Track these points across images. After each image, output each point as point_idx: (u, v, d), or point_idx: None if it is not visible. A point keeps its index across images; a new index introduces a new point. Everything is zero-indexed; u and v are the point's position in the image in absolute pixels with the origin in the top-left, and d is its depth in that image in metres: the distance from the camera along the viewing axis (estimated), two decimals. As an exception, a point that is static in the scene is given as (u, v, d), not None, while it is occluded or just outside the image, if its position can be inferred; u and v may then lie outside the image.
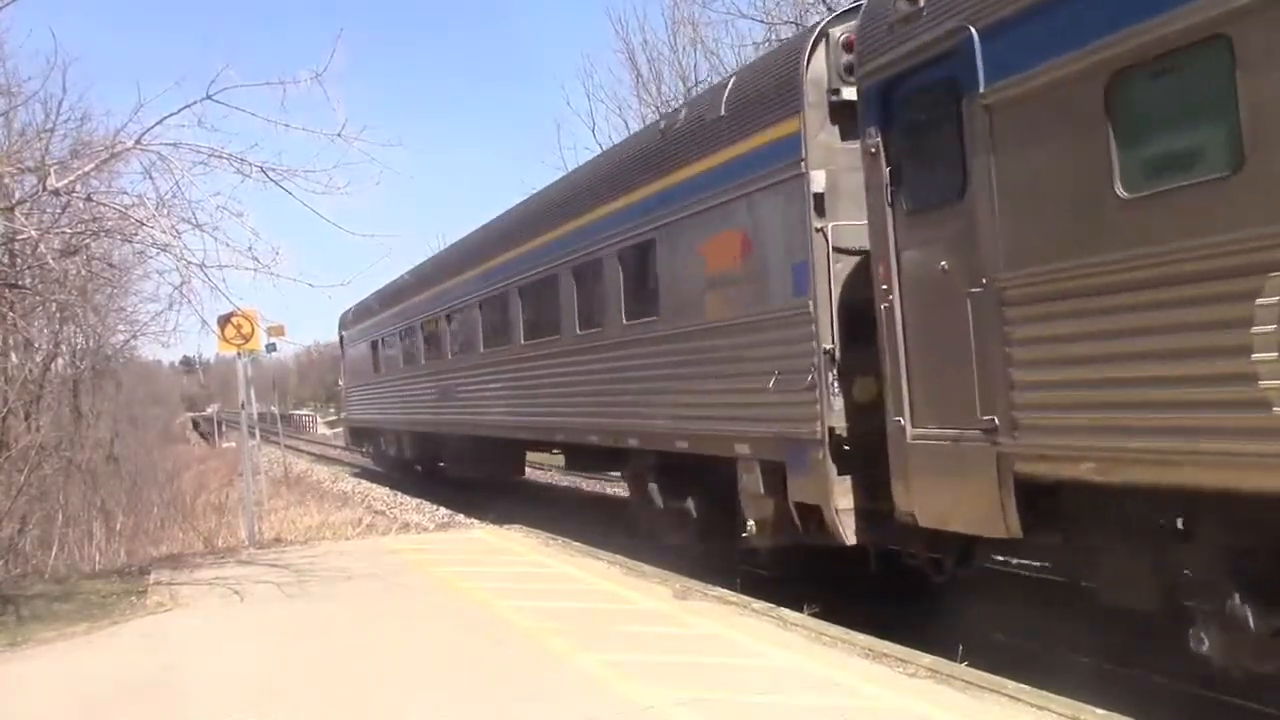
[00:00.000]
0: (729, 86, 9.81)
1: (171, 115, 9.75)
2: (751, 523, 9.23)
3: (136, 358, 31.67)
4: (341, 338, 33.03)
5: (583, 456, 15.47)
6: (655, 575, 10.36)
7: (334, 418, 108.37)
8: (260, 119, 9.79)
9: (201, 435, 71.42)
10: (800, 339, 8.33)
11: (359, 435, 32.57)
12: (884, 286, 7.35)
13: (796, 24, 22.64)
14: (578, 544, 12.92)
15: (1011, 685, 6.10)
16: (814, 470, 8.19)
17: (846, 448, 8.00)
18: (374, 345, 27.76)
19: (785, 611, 8.41)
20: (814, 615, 8.23)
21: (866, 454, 7.80)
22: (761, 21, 25.46)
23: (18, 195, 10.97)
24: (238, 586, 11.14)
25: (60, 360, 20.77)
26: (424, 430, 22.80)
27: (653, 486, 11.51)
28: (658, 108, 29.02)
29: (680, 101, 25.35)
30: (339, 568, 12.03)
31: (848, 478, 8.02)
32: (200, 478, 34.30)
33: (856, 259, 8.09)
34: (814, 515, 8.34)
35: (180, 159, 9.89)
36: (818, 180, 8.16)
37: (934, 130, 6.90)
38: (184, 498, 25.92)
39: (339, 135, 9.85)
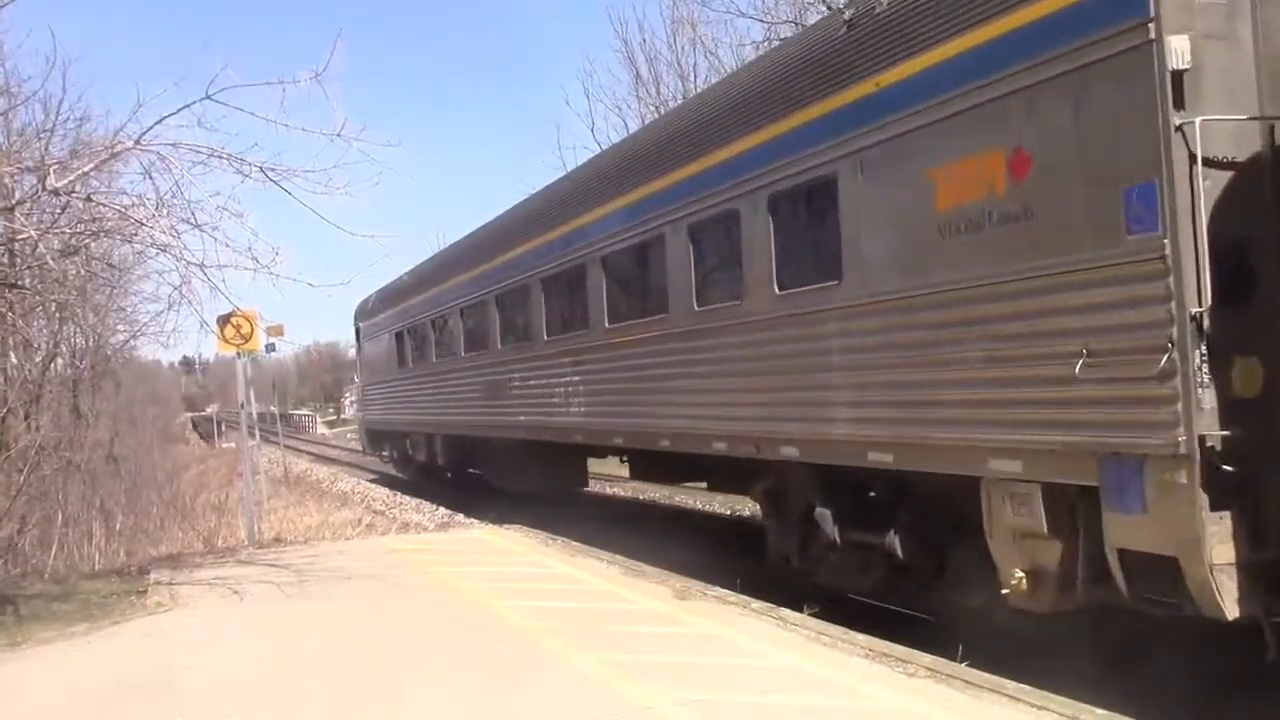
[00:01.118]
0: None
1: (171, 115, 9.76)
2: (1019, 574, 6.62)
3: (136, 358, 31.68)
4: (358, 330, 29.76)
5: (661, 465, 13.24)
6: (655, 575, 10.36)
7: (333, 418, 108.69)
8: (260, 119, 9.79)
9: (201, 435, 71.43)
10: (1143, 300, 5.58)
11: (379, 438, 29.00)
12: None
13: (796, 24, 22.65)
14: (578, 544, 12.92)
15: (1011, 685, 6.10)
16: (1165, 501, 5.51)
17: (1225, 467, 5.35)
18: (399, 337, 24.40)
19: (785, 611, 8.41)
20: (814, 615, 8.22)
21: (1249, 476, 5.44)
22: (761, 21, 25.52)
23: (17, 195, 10.97)
24: (237, 586, 11.13)
25: (60, 360, 20.77)
26: (462, 433, 19.87)
27: (823, 513, 8.84)
28: (657, 107, 29.06)
29: (679, 102, 25.37)
30: (338, 568, 12.03)
31: (1227, 514, 5.41)
32: (200, 478, 34.35)
33: (1232, 175, 5.53)
34: (1158, 570, 5.66)
35: (180, 159, 9.90)
36: (1178, 51, 5.40)
37: None
38: (184, 498, 25.96)
39: (339, 135, 9.85)
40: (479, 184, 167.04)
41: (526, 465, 17.01)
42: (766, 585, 9.71)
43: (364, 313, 28.28)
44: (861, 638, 7.44)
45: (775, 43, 21.37)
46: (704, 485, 14.36)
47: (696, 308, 10.39)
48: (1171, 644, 7.22)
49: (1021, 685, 6.09)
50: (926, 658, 6.79)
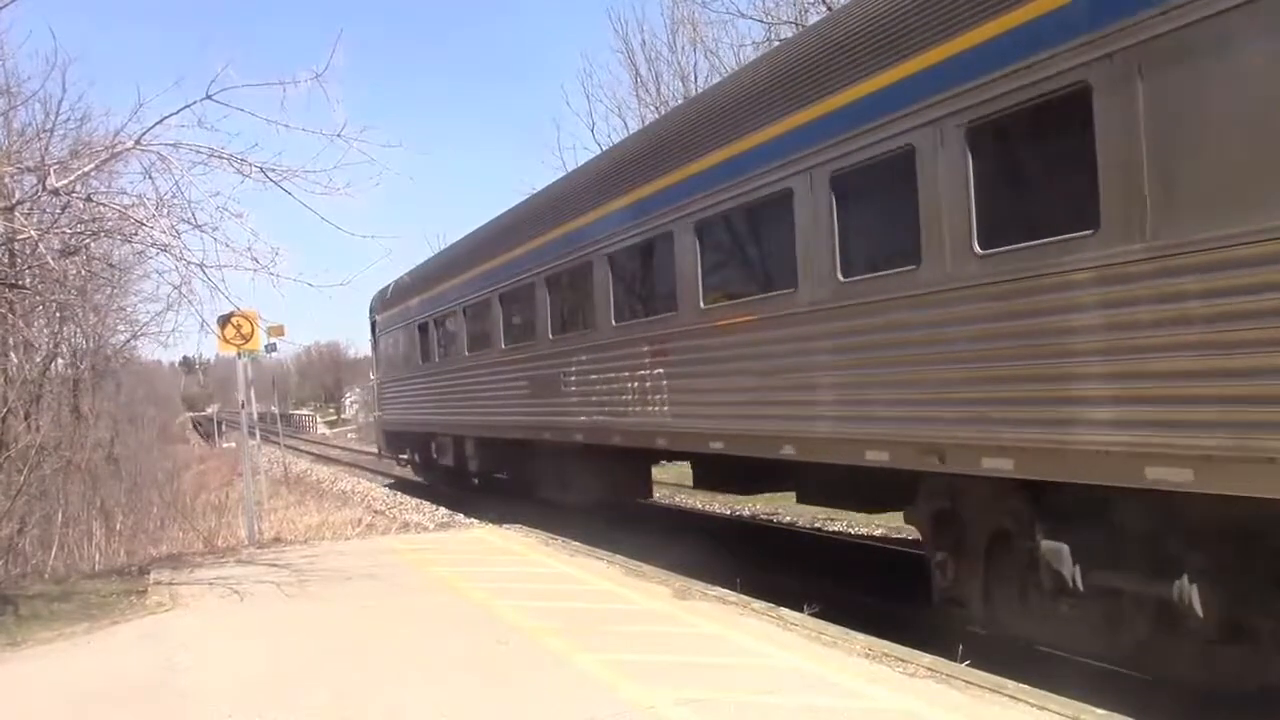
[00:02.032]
0: None
1: (171, 115, 9.76)
2: None
3: (136, 358, 31.64)
4: (374, 323, 27.09)
5: (734, 473, 11.17)
6: (655, 575, 10.36)
7: (334, 418, 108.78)
8: (260, 119, 9.81)
9: (202, 435, 71.49)
10: None
11: (398, 440, 26.38)
12: None
13: (796, 24, 22.65)
14: (578, 543, 12.93)
15: (1011, 685, 6.10)
16: None
17: None
18: (423, 329, 21.85)
19: (785, 611, 8.41)
20: (814, 615, 8.23)
21: None
22: (761, 21, 25.52)
23: (17, 195, 10.96)
24: (237, 586, 11.13)
25: (60, 360, 20.79)
26: (500, 435, 17.39)
27: (1055, 548, 6.56)
28: (656, 108, 29.08)
29: (678, 102, 25.36)
30: (339, 567, 12.03)
31: None
32: (200, 478, 34.36)
33: None
34: None
35: (180, 159, 9.91)
36: None
37: None
38: (184, 498, 25.94)
39: (339, 136, 9.86)
40: (479, 184, 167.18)
41: (581, 472, 14.74)
42: (767, 585, 9.72)
43: (381, 304, 25.84)
44: (861, 638, 7.44)
45: (775, 42, 21.34)
46: (770, 498, 12.63)
47: (841, 278, 8.02)
48: (1171, 644, 7.22)
49: (1021, 685, 6.09)
50: (926, 658, 6.79)
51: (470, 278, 18.36)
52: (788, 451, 8.93)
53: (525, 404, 15.47)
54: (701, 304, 10.29)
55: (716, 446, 10.22)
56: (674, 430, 10.97)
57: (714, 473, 11.92)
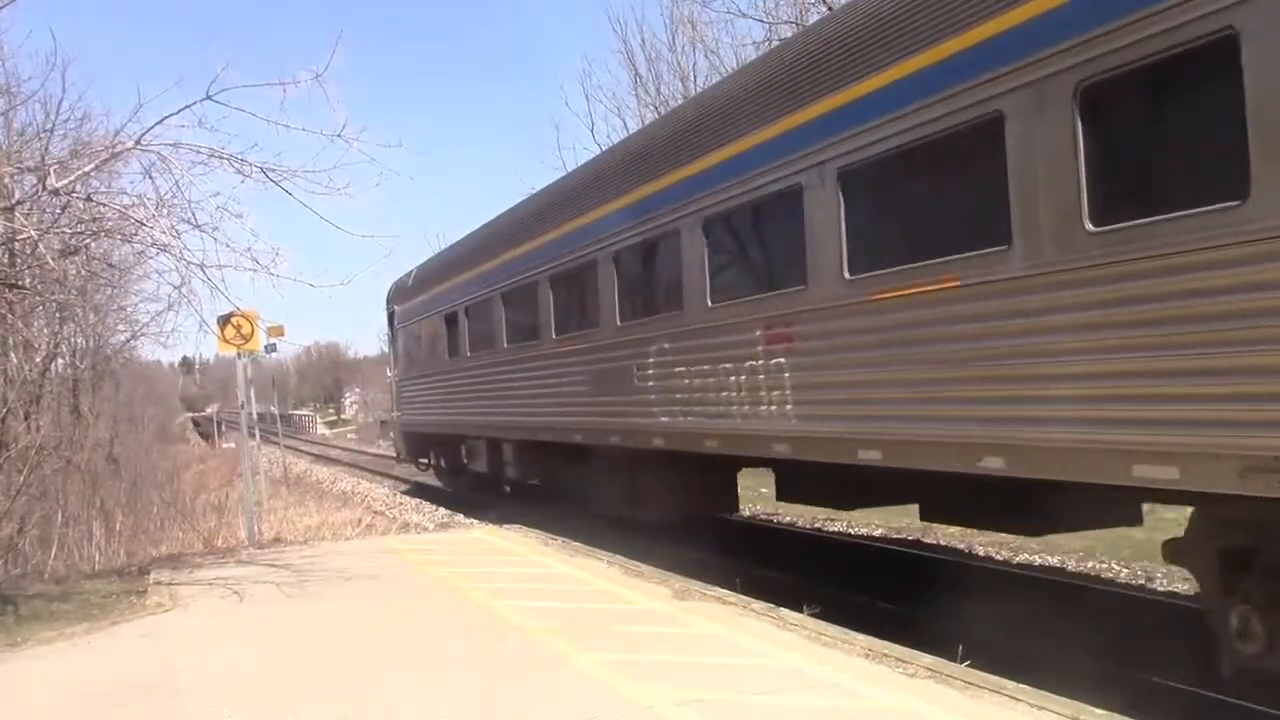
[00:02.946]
0: None
1: (171, 115, 9.76)
2: None
3: (136, 358, 31.68)
4: (391, 315, 24.57)
5: (847, 487, 9.46)
6: (655, 575, 10.36)
7: (334, 418, 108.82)
8: (260, 119, 9.80)
9: (201, 435, 71.56)
10: None
11: (419, 443, 23.74)
12: None
13: (796, 24, 22.65)
14: (577, 544, 12.92)
15: (1011, 685, 6.10)
16: None
17: None
18: (452, 319, 19.43)
19: (785, 611, 8.41)
20: (814, 615, 8.23)
21: None
22: (761, 21, 25.51)
23: (17, 195, 10.97)
24: (237, 586, 11.13)
25: (60, 360, 20.81)
26: (548, 439, 14.84)
27: None
28: (656, 108, 29.09)
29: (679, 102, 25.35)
30: (338, 568, 12.03)
31: None
32: (200, 478, 34.37)
33: None
34: None
35: (180, 159, 9.91)
36: None
37: None
38: (184, 498, 25.94)
39: (339, 136, 9.86)
40: (479, 184, 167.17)
41: (655, 483, 12.54)
42: (767, 585, 9.72)
43: (401, 293, 23.43)
44: (861, 638, 7.44)
45: (775, 42, 21.34)
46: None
47: (1090, 227, 5.97)
48: (1171, 644, 7.24)
49: (1021, 685, 6.09)
50: (926, 658, 6.79)
51: (511, 259, 15.98)
52: (994, 466, 6.75)
53: (582, 403, 13.26)
54: (846, 273, 8.12)
55: (870, 456, 8.00)
56: (800, 435, 8.86)
57: (822, 488, 9.88)
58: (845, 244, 8.18)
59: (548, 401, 14.54)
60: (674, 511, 12.62)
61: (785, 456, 9.25)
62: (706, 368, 10.21)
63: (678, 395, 10.81)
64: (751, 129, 9.34)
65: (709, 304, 10.20)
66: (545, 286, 14.53)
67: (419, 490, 25.34)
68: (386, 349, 28.68)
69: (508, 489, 19.78)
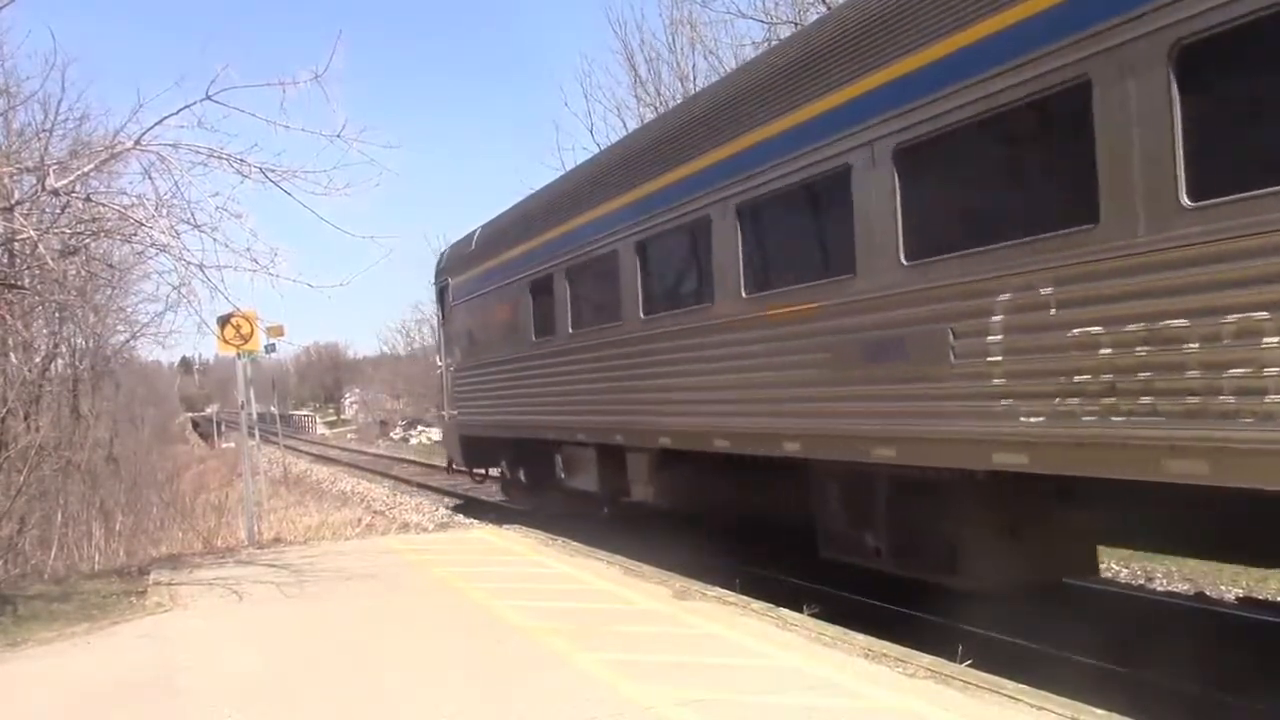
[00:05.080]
0: None
1: (171, 115, 9.74)
2: None
3: (135, 358, 31.67)
4: (443, 288, 19.64)
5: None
6: (655, 575, 10.36)
7: (333, 418, 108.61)
8: (260, 119, 9.78)
9: (201, 435, 71.56)
10: None
11: (484, 450, 18.49)
12: None
13: (796, 24, 22.66)
14: (577, 544, 12.92)
15: (1011, 685, 6.10)
16: None
17: None
18: (542, 287, 14.55)
19: (785, 611, 8.41)
20: (814, 615, 8.24)
21: None
22: (761, 21, 25.50)
23: (17, 195, 10.96)
24: (237, 586, 11.13)
25: (60, 361, 20.80)
26: (728, 449, 10.00)
27: None
28: (656, 108, 29.07)
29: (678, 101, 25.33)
30: (338, 568, 12.03)
31: None
32: (200, 478, 34.40)
33: None
34: None
35: (180, 159, 9.89)
36: None
37: None
38: (183, 498, 25.98)
39: (338, 136, 9.85)
40: (479, 184, 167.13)
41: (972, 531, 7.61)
42: (766, 585, 9.72)
43: (459, 261, 18.77)
44: (861, 638, 7.44)
45: (775, 42, 21.33)
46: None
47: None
48: (1172, 644, 7.24)
49: (1021, 685, 6.09)
50: (926, 658, 6.80)
51: (649, 194, 11.31)
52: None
53: (804, 396, 8.65)
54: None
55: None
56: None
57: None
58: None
59: (727, 394, 9.83)
60: (1018, 576, 7.54)
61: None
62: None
63: (1008, 382, 6.54)
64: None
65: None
66: (730, 220, 9.70)
67: (418, 490, 25.36)
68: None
69: (605, 510, 14.78)
